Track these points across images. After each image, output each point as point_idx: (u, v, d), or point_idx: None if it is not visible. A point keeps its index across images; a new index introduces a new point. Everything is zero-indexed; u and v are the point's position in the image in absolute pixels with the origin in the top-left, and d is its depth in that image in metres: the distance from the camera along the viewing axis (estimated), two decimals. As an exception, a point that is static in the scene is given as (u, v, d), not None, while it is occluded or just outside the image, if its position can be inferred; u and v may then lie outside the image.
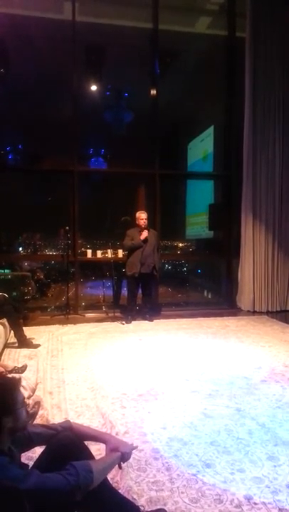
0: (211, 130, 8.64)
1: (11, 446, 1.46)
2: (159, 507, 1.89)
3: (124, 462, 1.70)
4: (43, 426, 1.75)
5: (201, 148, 9.05)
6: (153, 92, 6.99)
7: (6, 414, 1.44)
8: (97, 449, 1.99)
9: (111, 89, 8.03)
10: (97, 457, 1.74)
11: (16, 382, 1.58)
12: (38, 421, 2.73)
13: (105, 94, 8.08)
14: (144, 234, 5.90)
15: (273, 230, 6.73)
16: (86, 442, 1.75)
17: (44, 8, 6.69)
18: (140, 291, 6.19)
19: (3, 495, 1.25)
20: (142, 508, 1.84)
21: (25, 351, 4.31)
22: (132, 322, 5.86)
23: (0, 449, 1.40)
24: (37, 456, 1.74)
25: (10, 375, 2.97)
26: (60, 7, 6.82)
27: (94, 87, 7.67)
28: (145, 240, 5.89)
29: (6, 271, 7.62)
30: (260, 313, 6.60)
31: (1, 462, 1.32)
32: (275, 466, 2.23)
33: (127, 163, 7.58)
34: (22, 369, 3.60)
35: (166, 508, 1.87)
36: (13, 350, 4.37)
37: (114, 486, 1.87)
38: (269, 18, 6.60)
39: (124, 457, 1.68)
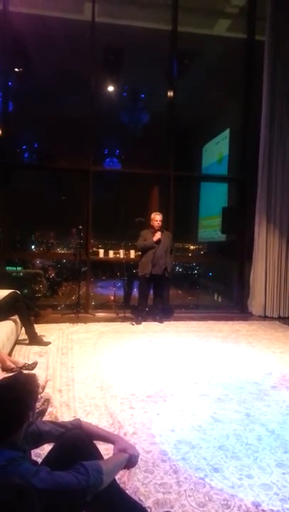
0: (226, 133, 8.60)
1: (23, 442, 1.47)
2: (165, 509, 1.88)
3: (130, 468, 1.70)
4: (52, 423, 1.74)
5: (217, 151, 9.02)
6: (170, 93, 6.98)
7: (32, 409, 1.47)
8: (106, 449, 1.99)
9: (128, 90, 8.04)
10: (105, 457, 1.73)
11: (36, 378, 1.64)
12: (46, 418, 2.74)
13: (122, 95, 8.09)
14: (157, 235, 5.89)
15: (287, 234, 6.66)
16: (95, 442, 1.74)
17: (64, 8, 6.74)
18: (151, 292, 6.18)
19: (13, 491, 1.25)
20: (148, 510, 1.83)
21: (35, 348, 4.36)
22: (142, 323, 5.86)
23: (16, 444, 1.40)
24: (45, 453, 1.74)
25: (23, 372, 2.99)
26: (80, 7, 6.86)
27: (111, 88, 7.69)
28: (158, 242, 5.89)
29: (18, 268, 7.68)
30: (272, 318, 6.54)
31: (15, 456, 1.32)
32: (284, 474, 2.20)
33: (142, 164, 7.57)
34: (32, 366, 3.63)
35: (172, 511, 1.86)
36: (24, 346, 4.43)
37: (121, 486, 1.87)
38: (289, 22, 6.55)
39: (132, 460, 1.67)
